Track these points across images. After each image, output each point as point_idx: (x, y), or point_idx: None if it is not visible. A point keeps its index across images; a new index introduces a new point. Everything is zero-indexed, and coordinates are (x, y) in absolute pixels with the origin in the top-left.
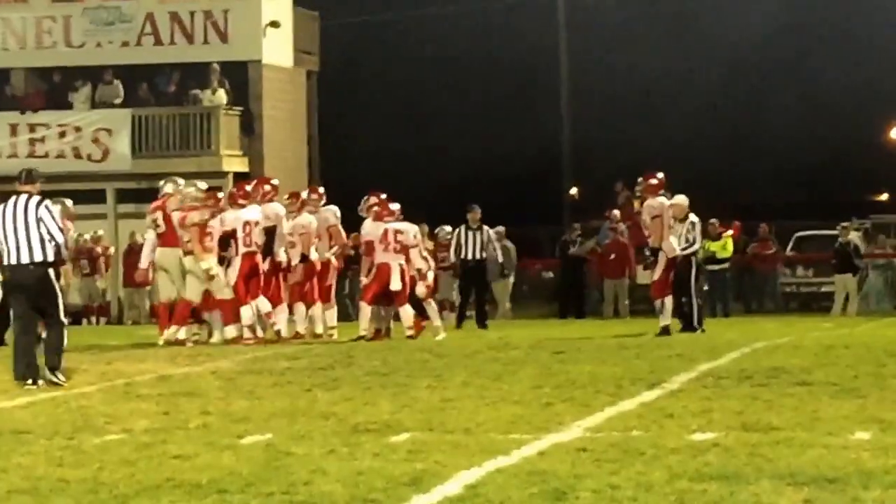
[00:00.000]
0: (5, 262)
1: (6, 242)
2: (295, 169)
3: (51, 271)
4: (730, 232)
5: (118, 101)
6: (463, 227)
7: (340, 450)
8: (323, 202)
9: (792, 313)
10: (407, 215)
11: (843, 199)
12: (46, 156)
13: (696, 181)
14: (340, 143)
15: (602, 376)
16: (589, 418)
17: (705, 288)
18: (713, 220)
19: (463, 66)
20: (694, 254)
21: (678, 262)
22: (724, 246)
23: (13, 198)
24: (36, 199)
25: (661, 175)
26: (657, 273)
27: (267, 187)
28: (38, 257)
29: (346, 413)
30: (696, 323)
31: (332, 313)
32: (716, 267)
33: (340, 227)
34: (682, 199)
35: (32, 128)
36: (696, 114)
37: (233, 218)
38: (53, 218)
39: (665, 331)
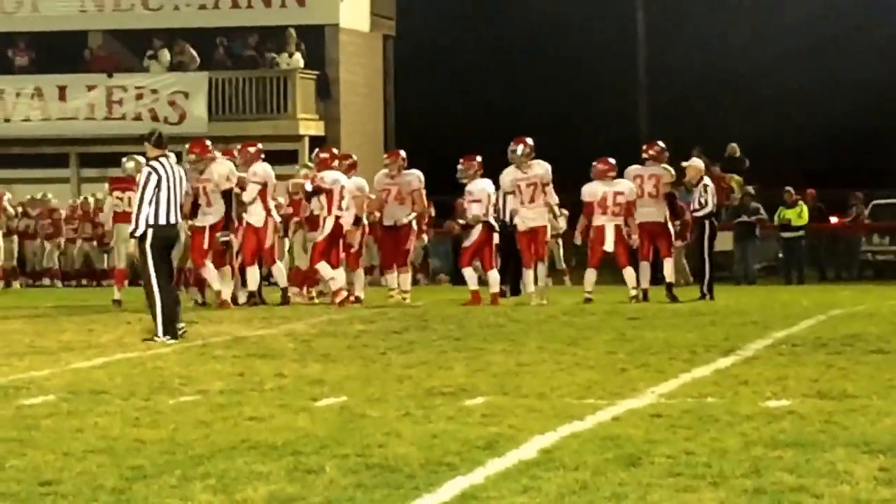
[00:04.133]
0: (162, 222)
1: (168, 203)
2: (371, 133)
3: None
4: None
5: (195, 65)
6: (502, 191)
7: (415, 413)
8: (405, 166)
9: (868, 281)
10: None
11: None
12: (123, 118)
13: (770, 148)
14: (417, 108)
15: (676, 343)
16: (663, 384)
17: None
18: (788, 188)
19: (541, 28)
20: (708, 217)
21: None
22: (799, 213)
23: (163, 160)
24: (174, 159)
25: (659, 144)
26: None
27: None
28: (180, 216)
29: (421, 376)
30: (705, 289)
31: (407, 277)
32: (790, 234)
33: (423, 191)
34: (696, 162)
35: (110, 90)
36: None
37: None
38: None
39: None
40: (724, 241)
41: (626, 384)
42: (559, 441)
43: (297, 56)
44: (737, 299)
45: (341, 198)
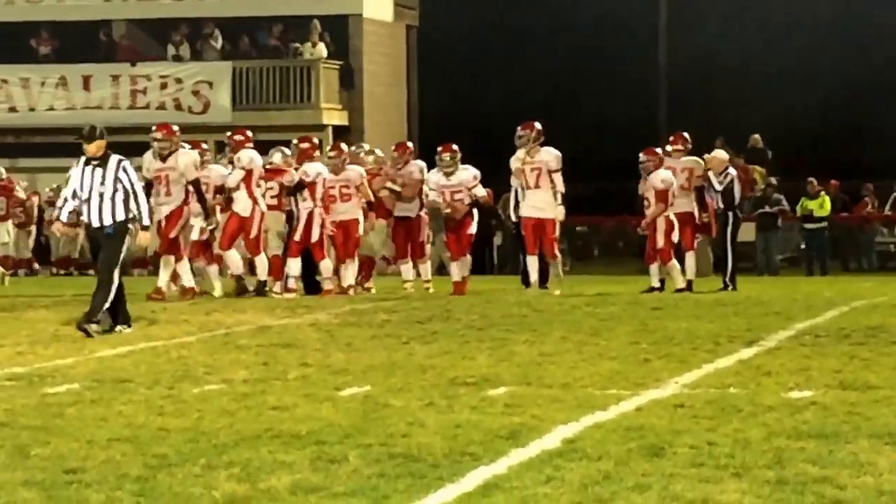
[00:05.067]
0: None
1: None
2: (394, 122)
3: None
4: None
5: (217, 54)
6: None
7: (438, 402)
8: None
9: (889, 272)
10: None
11: None
12: (147, 107)
13: (793, 140)
14: (440, 97)
15: (699, 333)
16: (686, 375)
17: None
18: (811, 179)
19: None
20: (731, 209)
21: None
22: (822, 204)
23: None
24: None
25: (685, 135)
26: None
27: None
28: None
29: (444, 366)
30: (728, 280)
31: (427, 267)
32: (813, 225)
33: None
34: (720, 153)
35: (134, 79)
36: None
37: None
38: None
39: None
40: (747, 232)
41: (649, 374)
42: (582, 431)
43: (321, 46)
44: (759, 290)
45: (324, 190)
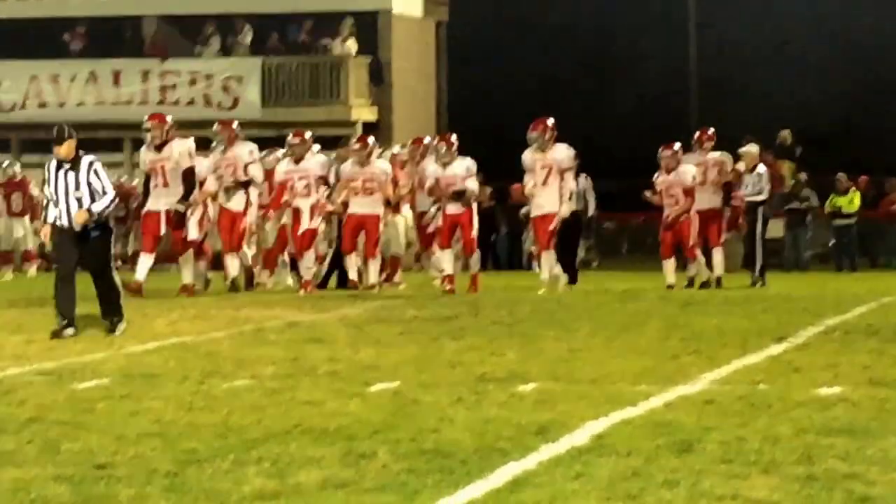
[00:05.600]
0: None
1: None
2: (424, 119)
3: None
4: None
5: (247, 50)
6: None
7: (467, 398)
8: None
9: None
10: None
11: None
12: (177, 103)
13: (822, 136)
14: (470, 94)
15: (728, 329)
16: (715, 371)
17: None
18: (840, 175)
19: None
20: (761, 204)
21: (747, 213)
22: (851, 200)
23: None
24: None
25: (711, 130)
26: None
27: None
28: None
29: (473, 362)
30: (757, 274)
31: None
32: (842, 221)
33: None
34: (751, 149)
35: (163, 75)
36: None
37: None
38: None
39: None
40: (776, 228)
41: (678, 370)
42: (611, 427)
43: (351, 42)
44: (788, 286)
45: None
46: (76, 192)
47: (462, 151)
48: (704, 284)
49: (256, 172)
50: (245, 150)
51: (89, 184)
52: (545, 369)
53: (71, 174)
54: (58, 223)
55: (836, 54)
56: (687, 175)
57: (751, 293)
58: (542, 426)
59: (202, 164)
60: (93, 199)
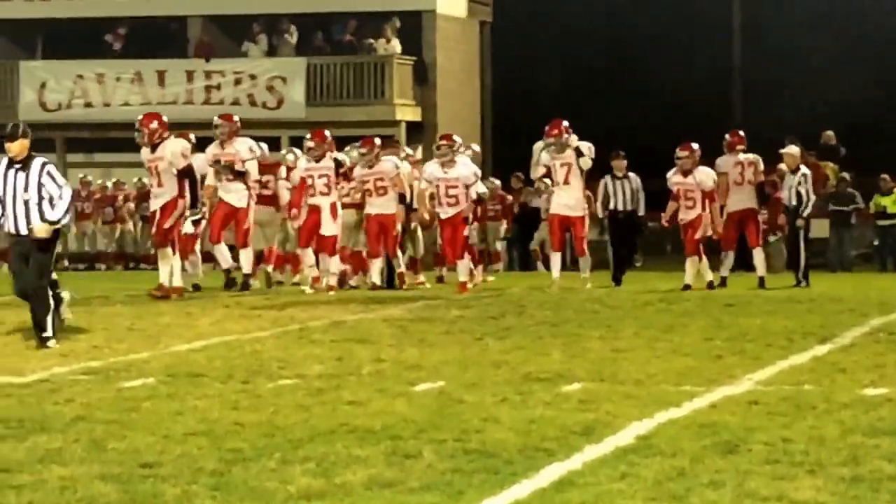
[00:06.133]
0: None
1: None
2: (468, 118)
3: None
4: None
5: (292, 49)
6: (609, 177)
7: (512, 398)
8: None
9: None
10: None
11: None
12: (222, 103)
13: (869, 135)
14: (513, 94)
15: (773, 329)
16: (760, 371)
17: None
18: (884, 175)
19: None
20: (805, 205)
21: (789, 213)
22: (895, 200)
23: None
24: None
25: (741, 133)
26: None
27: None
28: None
29: (518, 362)
30: (801, 276)
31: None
32: (886, 222)
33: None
34: (792, 150)
35: (208, 75)
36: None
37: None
38: None
39: (722, 283)
40: (821, 228)
41: (722, 371)
42: (656, 428)
43: (395, 42)
44: (833, 287)
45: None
46: (24, 193)
47: (505, 151)
48: (710, 285)
49: (252, 169)
50: (245, 147)
51: (41, 186)
52: (590, 369)
53: (21, 174)
54: (6, 227)
55: (880, 53)
56: (708, 179)
57: (794, 293)
58: (587, 426)
59: (198, 160)
60: (41, 203)
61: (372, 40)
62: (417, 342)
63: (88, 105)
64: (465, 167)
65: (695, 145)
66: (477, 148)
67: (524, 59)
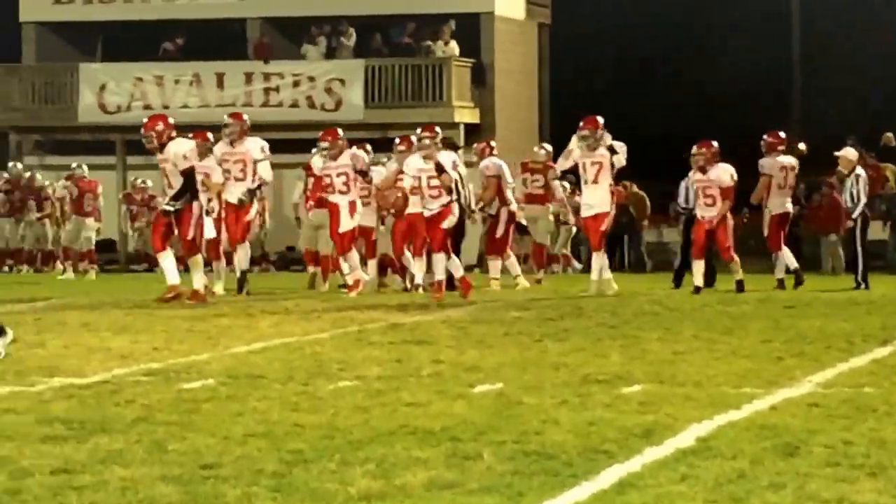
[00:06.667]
0: None
1: None
2: (525, 120)
3: None
4: None
5: (350, 52)
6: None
7: (571, 400)
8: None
9: None
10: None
11: None
12: (280, 105)
13: None
14: (572, 96)
15: (832, 332)
16: (820, 373)
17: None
18: None
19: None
20: (855, 206)
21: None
22: None
23: None
24: None
25: (783, 134)
26: (766, 229)
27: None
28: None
29: (577, 363)
30: (860, 278)
31: (497, 264)
32: None
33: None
34: (848, 153)
35: (267, 77)
36: None
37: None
38: None
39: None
40: (879, 230)
41: (782, 373)
42: (716, 430)
43: (453, 44)
44: (893, 289)
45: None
46: None
47: (562, 150)
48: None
49: (265, 172)
50: (256, 146)
51: None
52: (649, 371)
53: None
54: None
55: None
56: (725, 175)
57: (854, 295)
58: (647, 428)
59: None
60: None
61: (430, 42)
62: (476, 344)
63: (147, 107)
64: (446, 156)
65: (714, 143)
66: (549, 148)
67: (582, 61)
